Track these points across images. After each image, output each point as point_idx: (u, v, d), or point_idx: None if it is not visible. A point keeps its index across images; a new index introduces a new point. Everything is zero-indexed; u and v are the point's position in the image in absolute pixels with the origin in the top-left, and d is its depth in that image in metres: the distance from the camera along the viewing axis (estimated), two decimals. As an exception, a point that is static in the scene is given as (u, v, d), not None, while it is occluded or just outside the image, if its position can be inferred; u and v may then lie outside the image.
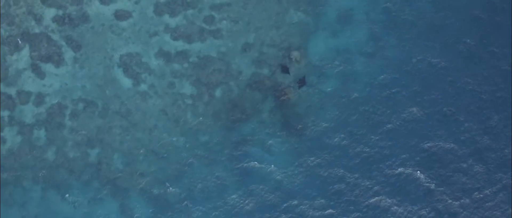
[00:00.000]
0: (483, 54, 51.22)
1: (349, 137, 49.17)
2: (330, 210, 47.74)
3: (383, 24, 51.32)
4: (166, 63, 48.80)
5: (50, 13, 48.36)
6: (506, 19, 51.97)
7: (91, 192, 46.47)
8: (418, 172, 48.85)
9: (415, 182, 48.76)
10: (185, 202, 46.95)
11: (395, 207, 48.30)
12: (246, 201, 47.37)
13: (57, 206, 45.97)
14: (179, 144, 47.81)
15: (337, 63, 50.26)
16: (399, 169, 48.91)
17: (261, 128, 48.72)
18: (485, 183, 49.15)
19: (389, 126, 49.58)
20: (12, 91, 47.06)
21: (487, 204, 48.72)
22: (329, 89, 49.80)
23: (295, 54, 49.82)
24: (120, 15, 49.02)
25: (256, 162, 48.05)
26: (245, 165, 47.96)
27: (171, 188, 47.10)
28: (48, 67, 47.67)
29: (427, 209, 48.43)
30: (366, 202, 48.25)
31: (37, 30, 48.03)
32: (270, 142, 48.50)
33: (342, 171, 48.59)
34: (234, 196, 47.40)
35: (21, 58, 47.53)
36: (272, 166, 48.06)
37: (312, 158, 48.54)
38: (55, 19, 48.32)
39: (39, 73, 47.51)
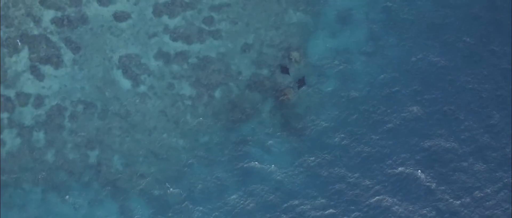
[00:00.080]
0: (483, 52, 51.38)
1: (349, 136, 49.35)
2: (330, 210, 47.94)
3: (383, 24, 51.49)
4: (165, 64, 48.97)
5: (49, 14, 48.51)
6: (506, 18, 52.13)
7: (91, 194, 46.65)
8: (419, 171, 49.05)
9: (416, 181, 48.96)
10: (185, 203, 47.15)
11: (396, 207, 48.49)
12: (247, 202, 47.58)
13: (57, 208, 46.15)
14: (179, 144, 47.99)
15: (337, 63, 50.41)
16: (400, 168, 49.08)
17: (261, 128, 48.89)
18: (486, 182, 49.33)
19: (389, 125, 49.77)
20: (11, 93, 47.20)
21: (487, 203, 48.92)
22: (329, 89, 49.98)
23: (294, 54, 50.01)
24: (119, 16, 49.15)
25: (256, 162, 48.23)
26: (245, 165, 48.15)
27: (171, 189, 47.29)
28: (47, 69, 47.81)
29: (428, 208, 48.63)
30: (367, 202, 48.44)
31: (36, 32, 48.19)
32: (270, 142, 48.68)
33: (342, 170, 48.76)
34: (234, 197, 47.62)
35: (20, 60, 47.68)
36: (272, 166, 48.26)
37: (312, 158, 48.73)
38: (54, 21, 48.46)
39: (38, 75, 47.65)
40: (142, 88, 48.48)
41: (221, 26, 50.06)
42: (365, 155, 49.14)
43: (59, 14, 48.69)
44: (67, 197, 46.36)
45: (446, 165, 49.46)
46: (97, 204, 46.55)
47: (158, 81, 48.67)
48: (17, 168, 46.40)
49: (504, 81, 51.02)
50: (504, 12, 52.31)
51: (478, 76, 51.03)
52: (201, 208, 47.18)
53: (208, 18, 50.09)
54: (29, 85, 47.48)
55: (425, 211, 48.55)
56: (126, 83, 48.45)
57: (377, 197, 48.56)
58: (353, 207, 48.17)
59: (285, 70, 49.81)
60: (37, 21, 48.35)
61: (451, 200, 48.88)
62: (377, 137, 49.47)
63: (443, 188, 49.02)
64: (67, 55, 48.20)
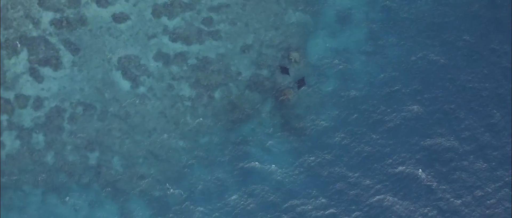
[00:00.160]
0: (483, 51, 51.47)
1: (350, 136, 49.49)
2: (331, 210, 48.10)
3: (382, 23, 51.61)
4: (164, 65, 49.13)
5: (47, 16, 48.64)
6: (506, 16, 52.22)
7: (91, 195, 46.83)
8: (419, 170, 49.18)
9: (416, 181, 49.08)
10: (186, 203, 47.32)
11: (397, 206, 48.62)
12: (247, 202, 47.76)
13: (57, 209, 46.33)
14: (179, 145, 48.17)
15: (337, 63, 50.54)
16: (400, 168, 49.21)
17: (261, 129, 49.05)
18: (487, 181, 49.44)
19: (389, 124, 49.90)
20: (11, 95, 47.36)
21: (488, 201, 49.03)
22: (329, 89, 50.11)
23: (294, 54, 50.17)
24: (118, 18, 49.30)
25: (256, 163, 48.38)
26: (245, 165, 48.30)
27: (171, 190, 47.45)
28: (46, 71, 47.96)
29: (428, 208, 48.76)
30: (367, 201, 48.58)
31: (34, 34, 48.33)
32: (270, 142, 48.83)
33: (342, 170, 48.89)
34: (234, 197, 47.77)
35: (19, 62, 47.82)
36: (273, 166, 48.39)
37: (312, 158, 48.87)
38: (52, 23, 48.61)
39: (37, 77, 47.80)
40: (142, 89, 48.64)
41: (220, 26, 50.21)
42: (365, 155, 49.28)
43: (58, 15, 48.82)
44: (67, 198, 46.55)
45: (446, 164, 49.57)
46: (97, 205, 46.72)
47: (158, 83, 48.83)
48: (17, 170, 46.58)
49: (505, 80, 51.08)
50: (504, 11, 52.40)
51: (479, 75, 51.11)
52: (201, 208, 47.33)
53: (207, 18, 50.23)
54: (28, 87, 47.62)
55: (426, 210, 48.68)
56: (125, 85, 48.61)
57: (377, 197, 48.69)
58: (353, 207, 48.33)
59: (285, 70, 49.97)
60: (36, 22, 48.50)
61: (452, 199, 49.01)
62: (378, 136, 49.59)
63: (443, 187, 49.14)
64: (66, 57, 48.34)
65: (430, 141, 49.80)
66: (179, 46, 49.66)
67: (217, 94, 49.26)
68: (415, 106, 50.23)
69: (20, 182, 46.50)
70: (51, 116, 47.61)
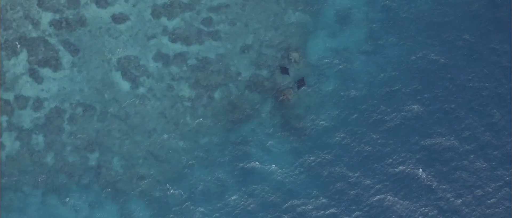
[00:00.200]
0: (483, 51, 51.56)
1: (350, 136, 49.56)
2: (331, 210, 48.17)
3: (382, 23, 51.72)
4: (164, 66, 49.24)
5: (47, 17, 48.80)
6: (506, 16, 52.31)
7: (91, 196, 46.92)
8: (420, 170, 49.24)
9: (417, 180, 49.15)
10: (186, 204, 47.38)
11: (397, 206, 48.67)
12: (247, 202, 47.83)
13: (57, 210, 46.44)
14: (179, 146, 48.28)
15: (337, 63, 50.63)
16: (401, 167, 49.28)
17: (261, 129, 49.14)
18: (487, 180, 49.50)
19: (389, 124, 49.96)
20: (10, 96, 47.51)
21: (489, 201, 49.09)
22: (328, 88, 50.20)
23: (294, 55, 50.29)
24: (117, 18, 49.45)
25: (256, 163, 48.46)
26: (245, 165, 48.40)
27: (171, 190, 47.53)
28: (46, 72, 48.11)
29: (429, 207, 48.82)
30: (368, 201, 48.64)
31: (34, 35, 48.46)
32: (270, 142, 48.91)
33: (343, 170, 48.97)
34: (235, 197, 47.83)
35: (19, 63, 47.96)
36: (273, 166, 48.46)
37: (312, 158, 48.95)
38: (52, 23, 48.76)
39: (37, 78, 47.95)
40: (141, 90, 48.77)
41: (220, 27, 50.35)
42: (365, 154, 49.35)
43: (58, 16, 48.98)
44: (67, 199, 46.65)
45: (447, 164, 49.64)
46: (97, 206, 46.82)
47: (157, 83, 48.97)
48: (17, 171, 46.70)
49: (505, 79, 51.15)
50: (503, 10, 52.50)
51: (479, 74, 51.17)
52: (201, 209, 47.41)
53: (207, 19, 50.37)
54: (28, 88, 47.78)
55: (426, 210, 48.74)
56: (125, 85, 48.74)
57: (378, 196, 48.74)
58: (354, 207, 48.39)
59: (284, 70, 50.08)
60: (36, 23, 48.65)
61: (452, 198, 49.07)
62: (378, 136, 49.67)
63: (444, 186, 49.20)
64: (66, 58, 48.49)
65: (430, 141, 49.86)
66: (178, 47, 49.77)
67: (217, 95, 49.36)
68: (415, 106, 50.30)
69: (20, 183, 46.61)
70: (51, 117, 47.74)
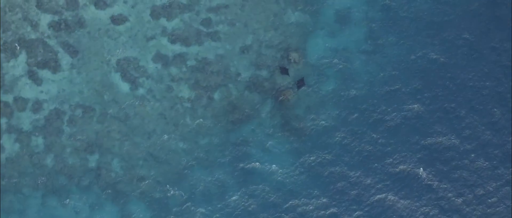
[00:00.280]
0: (483, 50, 51.67)
1: (350, 135, 49.71)
2: (332, 210, 48.35)
3: (382, 22, 51.82)
4: (163, 67, 49.39)
5: (46, 19, 48.93)
6: (506, 14, 52.43)
7: (91, 198, 47.10)
8: (420, 169, 49.40)
9: (417, 179, 49.31)
10: (186, 205, 47.56)
11: (398, 205, 48.82)
12: (248, 202, 47.99)
13: (58, 212, 46.64)
14: (179, 147, 48.46)
15: (336, 63, 50.75)
16: (401, 167, 49.43)
17: (261, 129, 49.29)
18: (488, 179, 49.64)
19: (390, 123, 50.09)
20: (9, 98, 47.69)
21: (489, 200, 49.25)
22: (328, 88, 50.34)
23: (293, 55, 50.44)
24: (117, 20, 49.58)
25: (257, 163, 48.61)
26: (245, 166, 48.55)
27: (171, 191, 47.69)
28: (45, 73, 48.27)
29: (430, 206, 48.99)
30: (369, 201, 48.81)
31: (33, 36, 48.60)
32: (270, 142, 49.05)
33: (343, 170, 49.12)
34: (235, 198, 47.99)
35: (18, 65, 48.13)
36: (273, 166, 48.60)
37: (313, 158, 49.09)
38: (51, 25, 48.91)
39: (36, 80, 48.11)
40: (141, 91, 48.94)
41: (219, 27, 50.49)
42: (366, 154, 49.50)
43: (56, 18, 49.13)
44: (67, 201, 46.84)
45: (447, 163, 49.79)
46: (97, 207, 47.00)
47: (157, 84, 49.15)
48: (17, 173, 46.87)
49: (505, 78, 51.27)
50: (503, 9, 52.59)
51: (479, 73, 51.29)
52: (202, 209, 47.59)
53: (206, 19, 50.51)
54: (27, 90, 47.97)
55: (427, 209, 48.91)
56: (124, 87, 48.90)
57: (378, 196, 48.90)
58: (355, 207, 48.58)
59: (284, 71, 50.23)
60: (34, 25, 48.79)
61: (453, 197, 49.22)
62: (378, 136, 49.83)
63: (444, 186, 49.35)
64: (65, 59, 48.65)
65: (431, 140, 50.01)
66: (178, 48, 49.93)
67: (216, 96, 49.52)
68: (416, 105, 50.42)
69: (20, 185, 46.77)
70: (50, 119, 47.90)
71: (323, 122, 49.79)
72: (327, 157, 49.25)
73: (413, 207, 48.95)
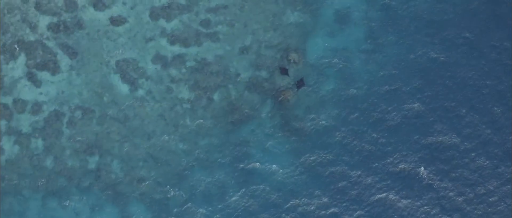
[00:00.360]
0: (483, 48, 51.70)
1: (350, 135, 49.83)
2: (333, 209, 48.51)
3: (382, 21, 51.85)
4: (163, 68, 49.56)
5: (45, 20, 49.09)
6: (506, 13, 52.47)
7: (91, 199, 47.32)
8: (421, 168, 49.51)
9: (418, 179, 49.44)
10: (187, 206, 47.77)
11: (399, 204, 48.97)
12: (248, 203, 48.19)
13: (58, 214, 46.90)
14: (179, 148, 48.67)
15: (336, 62, 50.83)
16: (402, 166, 49.56)
17: (261, 129, 49.44)
18: (489, 178, 49.77)
19: (390, 122, 50.20)
20: (9, 100, 47.91)
21: (490, 199, 49.39)
22: (328, 88, 50.44)
23: (293, 55, 50.58)
24: (116, 21, 49.71)
25: (257, 163, 48.76)
26: (246, 166, 48.72)
27: (172, 192, 47.90)
28: (44, 75, 48.46)
29: (431, 205, 49.15)
30: (369, 200, 48.98)
31: (32, 38, 48.78)
32: (270, 142, 49.22)
33: (344, 169, 49.25)
34: (236, 198, 48.18)
35: (17, 66, 48.33)
36: (274, 166, 48.76)
37: (313, 158, 49.23)
38: (50, 27, 49.06)
39: (35, 82, 48.31)
40: (140, 92, 49.11)
41: (218, 28, 50.60)
42: (366, 153, 49.62)
43: (55, 19, 49.28)
44: (67, 203, 47.08)
45: (448, 162, 49.90)
46: (97, 209, 47.23)
47: (156, 85, 49.32)
48: (16, 175, 47.11)
49: (505, 77, 51.30)
50: (503, 7, 52.63)
51: (479, 72, 51.32)
52: (202, 210, 47.78)
53: (205, 20, 50.62)
54: (27, 92, 48.16)
55: (428, 208, 49.06)
56: (124, 88, 49.06)
57: (379, 195, 49.04)
58: (355, 206, 48.74)
59: (284, 71, 50.38)
60: (33, 27, 48.96)
61: (454, 196, 49.35)
62: (378, 135, 49.94)
63: (445, 184, 49.49)
64: (64, 61, 48.82)
65: (431, 139, 50.11)
66: (177, 49, 50.06)
67: (216, 96, 49.69)
68: (416, 104, 50.50)
69: (20, 187, 47.00)
70: (50, 120, 48.13)
71: (323, 122, 49.91)
72: (327, 156, 49.40)
73: (414, 207, 49.10)
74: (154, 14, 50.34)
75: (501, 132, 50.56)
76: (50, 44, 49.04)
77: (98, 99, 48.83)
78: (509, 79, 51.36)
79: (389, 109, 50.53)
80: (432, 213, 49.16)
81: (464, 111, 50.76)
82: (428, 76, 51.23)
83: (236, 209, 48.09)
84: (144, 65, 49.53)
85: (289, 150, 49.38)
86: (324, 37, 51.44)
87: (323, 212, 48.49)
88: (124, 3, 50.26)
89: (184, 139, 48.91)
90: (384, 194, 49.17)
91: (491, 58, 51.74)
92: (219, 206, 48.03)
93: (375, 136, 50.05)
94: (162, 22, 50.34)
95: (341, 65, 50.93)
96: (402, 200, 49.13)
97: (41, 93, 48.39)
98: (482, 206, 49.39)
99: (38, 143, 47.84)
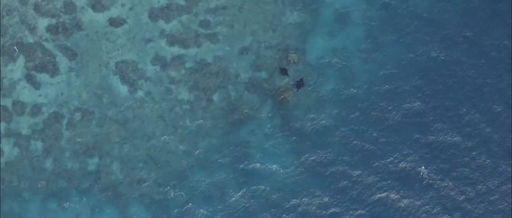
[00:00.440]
0: (484, 46, 51.78)
1: (350, 134, 49.95)
2: (334, 209, 48.63)
3: (381, 20, 51.92)
4: (162, 69, 49.69)
5: (43, 22, 49.24)
6: (506, 11, 52.58)
7: (91, 201, 47.47)
8: (422, 167, 49.62)
9: (419, 177, 49.54)
10: (187, 206, 47.91)
11: (400, 204, 49.09)
12: (249, 203, 48.34)
13: (58, 216, 47.02)
14: (179, 149, 48.83)
15: (336, 62, 50.94)
16: (402, 165, 49.66)
17: (261, 130, 49.57)
18: (489, 176, 49.88)
19: (390, 121, 50.30)
20: (8, 102, 48.09)
21: (491, 197, 49.52)
22: (328, 88, 50.54)
23: (292, 56, 50.67)
24: (115, 22, 49.85)
25: (257, 163, 48.86)
26: (246, 167, 48.83)
27: (172, 193, 48.05)
28: (43, 77, 48.60)
29: (432, 204, 49.27)
30: (370, 199, 49.08)
31: (31, 40, 48.91)
32: (270, 143, 49.37)
33: (344, 169, 49.36)
34: (236, 198, 48.31)
35: (16, 68, 48.49)
36: (274, 166, 48.86)
37: (313, 157, 49.34)
38: (48, 29, 49.20)
39: (34, 83, 48.46)
40: (140, 93, 49.25)
41: (217, 29, 50.72)
42: (366, 153, 49.74)
43: (54, 21, 49.42)
44: (67, 204, 47.26)
45: (448, 161, 49.98)
46: (97, 210, 47.39)
47: (156, 86, 49.47)
48: (16, 177, 47.26)
49: (505, 75, 51.38)
50: (503, 5, 52.73)
51: (479, 70, 51.39)
52: (203, 211, 47.92)
53: (205, 21, 50.74)
54: (26, 93, 48.33)
55: (429, 207, 49.18)
56: (123, 89, 49.19)
57: (380, 195, 49.16)
58: (356, 206, 48.85)
59: (283, 71, 50.51)
60: (32, 29, 49.11)
61: (455, 195, 49.44)
62: (379, 134, 50.04)
63: (446, 183, 49.59)
64: (63, 63, 48.97)
65: (432, 138, 50.19)
66: (176, 50, 50.16)
67: (216, 97, 49.84)
68: (416, 103, 50.59)
69: (20, 189, 47.15)
70: (49, 122, 48.29)
71: (323, 122, 50.05)
72: (327, 156, 49.53)
73: (414, 206, 49.22)
74: (153, 15, 50.45)
75: (502, 130, 50.65)
76: (49, 46, 49.19)
77: (98, 100, 48.96)
78: (510, 78, 51.45)
79: (389, 108, 50.62)
80: (433, 212, 49.27)
81: (464, 109, 50.84)
82: (428, 75, 51.30)
83: (236, 209, 48.22)
84: (144, 67, 49.65)
85: (289, 150, 49.48)
86: (324, 37, 51.55)
87: (324, 211, 48.62)
88: (123, 4, 50.40)
89: (184, 140, 49.06)
90: (385, 193, 49.28)
91: (491, 56, 51.81)
92: (220, 207, 48.13)
93: (376, 135, 50.14)
94: (161, 23, 50.44)
95: (340, 65, 51.05)
96: (402, 199, 49.24)
97: (40, 95, 48.54)
98: (483, 205, 49.48)
99: (37, 145, 48.00)
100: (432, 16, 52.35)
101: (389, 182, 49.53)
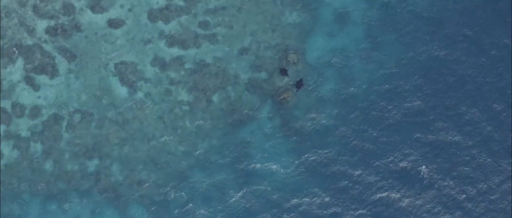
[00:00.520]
0: (484, 45, 51.88)
1: (351, 134, 50.10)
2: (334, 209, 48.85)
3: (381, 20, 52.00)
4: (161, 70, 49.80)
5: (42, 24, 49.34)
6: (506, 9, 52.68)
7: (91, 202, 47.67)
8: (422, 166, 49.81)
9: (419, 177, 49.72)
10: (187, 207, 48.09)
11: (400, 203, 49.31)
12: (249, 203, 48.54)
13: (58, 217, 47.28)
14: (178, 150, 48.99)
15: (335, 62, 51.02)
16: (403, 164, 49.84)
17: (260, 130, 49.71)
18: (490, 175, 50.09)
19: (390, 121, 50.44)
20: (7, 104, 48.22)
21: (492, 196, 49.74)
22: (328, 88, 50.65)
23: (292, 56, 50.79)
24: (114, 23, 49.95)
25: (257, 164, 49.03)
26: (246, 167, 49.02)
27: (172, 194, 48.23)
28: (43, 79, 48.73)
29: (432, 203, 49.49)
30: (370, 199, 49.30)
31: (30, 42, 49.02)
32: (270, 143, 49.53)
33: (344, 168, 49.53)
34: (236, 198, 48.50)
35: (15, 70, 48.63)
36: (274, 166, 49.02)
37: (313, 157, 49.51)
38: (47, 30, 49.31)
39: (34, 85, 48.62)
40: (139, 95, 49.37)
41: (217, 30, 50.80)
42: (367, 152, 49.92)
43: (53, 23, 49.52)
44: (67, 206, 47.45)
45: (449, 159, 50.18)
46: (97, 212, 47.58)
47: (155, 88, 49.57)
48: (16, 179, 47.45)
49: (505, 73, 51.50)
50: (503, 4, 52.81)
51: (479, 69, 51.51)
52: (203, 211, 48.14)
53: (204, 22, 50.82)
54: (25, 95, 48.47)
55: (429, 207, 49.41)
56: (122, 91, 49.31)
57: (381, 194, 49.35)
58: (357, 205, 49.07)
59: (283, 72, 50.60)
60: (31, 31, 49.21)
61: (456, 194, 49.65)
62: (379, 134, 50.21)
63: (447, 182, 49.77)
64: (62, 64, 49.09)
65: (432, 137, 50.34)
66: (175, 51, 50.27)
67: (215, 98, 49.97)
68: (416, 103, 50.74)
69: (20, 191, 47.34)
70: (49, 124, 48.46)
71: (323, 121, 50.19)
72: (328, 156, 49.69)
73: (415, 205, 49.41)
74: (152, 16, 50.54)
75: (502, 128, 50.84)
76: (48, 47, 49.31)
77: (97, 102, 49.09)
78: (510, 76, 51.58)
79: (389, 107, 50.76)
80: (434, 211, 49.48)
81: (464, 108, 51.00)
82: (428, 74, 51.43)
83: (236, 209, 48.42)
84: (143, 68, 49.74)
85: (289, 150, 49.63)
86: (323, 37, 51.63)
87: (325, 211, 48.82)
88: (121, 6, 50.48)
89: (183, 141, 49.22)
90: (386, 192, 49.47)
91: (491, 55, 51.92)
92: (220, 207, 48.33)
93: (376, 134, 50.31)
94: (160, 24, 50.53)
95: (340, 65, 51.14)
96: (403, 199, 49.42)
97: (39, 97, 48.69)
98: (483, 204, 49.69)
99: (37, 147, 48.16)
100: (432, 15, 52.41)
101: (390, 181, 49.70)
